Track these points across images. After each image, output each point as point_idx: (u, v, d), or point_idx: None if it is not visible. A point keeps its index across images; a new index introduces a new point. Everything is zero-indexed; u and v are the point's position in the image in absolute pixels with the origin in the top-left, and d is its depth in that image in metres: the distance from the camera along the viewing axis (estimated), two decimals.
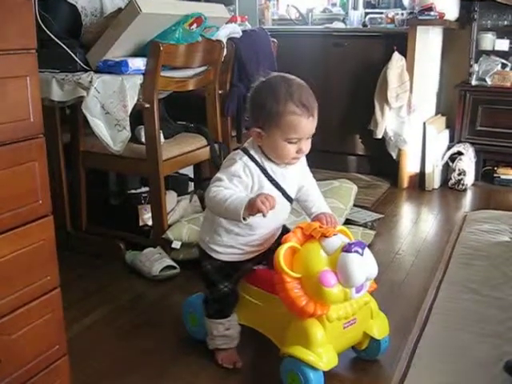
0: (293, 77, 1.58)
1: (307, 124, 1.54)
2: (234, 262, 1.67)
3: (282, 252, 1.50)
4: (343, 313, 1.53)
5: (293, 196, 1.69)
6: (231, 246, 1.65)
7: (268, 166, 1.60)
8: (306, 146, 1.58)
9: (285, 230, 1.73)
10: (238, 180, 1.55)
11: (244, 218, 1.47)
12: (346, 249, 1.47)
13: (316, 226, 1.55)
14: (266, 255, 1.69)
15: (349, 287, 1.47)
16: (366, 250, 1.50)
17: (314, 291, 1.48)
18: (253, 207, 1.43)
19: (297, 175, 1.69)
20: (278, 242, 1.63)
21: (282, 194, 1.63)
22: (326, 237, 1.53)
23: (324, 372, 1.53)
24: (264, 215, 1.44)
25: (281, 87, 1.53)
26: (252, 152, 1.59)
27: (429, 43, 3.59)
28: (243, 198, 1.48)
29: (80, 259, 2.47)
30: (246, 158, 1.58)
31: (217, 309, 1.70)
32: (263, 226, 1.64)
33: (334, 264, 1.48)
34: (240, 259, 1.67)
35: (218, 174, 1.57)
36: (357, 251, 1.46)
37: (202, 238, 1.71)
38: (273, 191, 1.59)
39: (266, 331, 1.70)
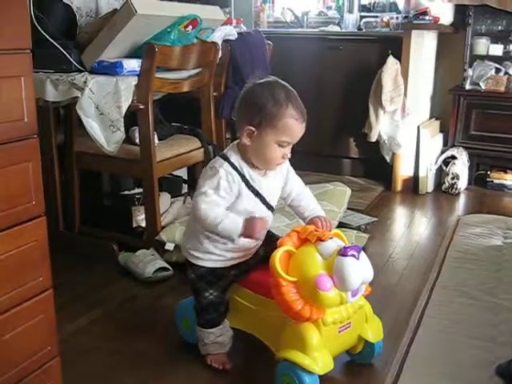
0: (286, 83, 1.61)
1: (300, 129, 1.57)
2: (216, 270, 1.67)
3: (278, 256, 1.50)
4: (338, 317, 1.53)
5: (273, 204, 1.69)
6: (212, 252, 1.65)
7: (247, 172, 1.60)
8: (290, 151, 1.61)
9: (270, 238, 1.73)
10: (223, 190, 1.55)
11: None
12: (342, 253, 1.47)
13: (312, 230, 1.55)
14: (251, 265, 1.71)
15: (345, 291, 1.47)
16: (362, 253, 1.50)
17: (309, 295, 1.48)
18: (247, 234, 1.52)
19: (278, 184, 1.70)
20: (266, 251, 1.66)
21: (261, 200, 1.63)
22: (322, 240, 1.53)
23: (319, 376, 1.52)
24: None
25: (280, 91, 1.55)
26: (232, 159, 1.60)
27: (423, 47, 3.60)
28: (237, 222, 1.53)
29: (73, 260, 2.46)
30: (226, 164, 1.58)
31: (207, 318, 1.69)
32: None
33: (330, 268, 1.48)
34: (221, 266, 1.67)
35: (204, 188, 1.56)
36: (353, 255, 1.46)
37: (184, 246, 1.72)
38: (250, 197, 1.61)
39: (261, 335, 1.69)
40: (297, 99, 1.56)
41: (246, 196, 1.59)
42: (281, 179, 1.70)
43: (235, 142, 1.65)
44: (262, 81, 1.59)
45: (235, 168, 1.59)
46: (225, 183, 1.55)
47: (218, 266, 1.67)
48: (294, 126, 1.54)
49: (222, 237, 1.59)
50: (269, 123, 1.53)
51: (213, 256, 1.66)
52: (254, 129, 1.55)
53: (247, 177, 1.60)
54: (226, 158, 1.60)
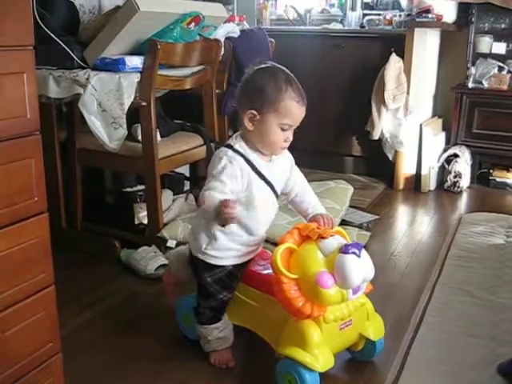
0: (285, 68, 1.63)
1: (301, 112, 1.59)
2: (233, 271, 1.67)
3: (279, 253, 1.50)
4: (339, 314, 1.53)
5: (279, 192, 1.70)
6: (230, 248, 1.65)
7: (253, 158, 1.61)
8: (292, 135, 1.61)
9: None
10: (226, 175, 1.53)
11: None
12: (344, 250, 1.47)
13: (313, 227, 1.55)
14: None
15: (346, 288, 1.47)
16: (363, 251, 1.50)
17: (311, 292, 1.48)
18: (221, 220, 1.45)
19: (283, 172, 1.70)
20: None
21: (270, 187, 1.64)
22: (323, 238, 1.53)
23: (320, 373, 1.53)
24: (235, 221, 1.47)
25: (281, 75, 1.58)
26: (236, 146, 1.60)
27: (426, 45, 3.59)
28: (215, 198, 1.47)
29: (75, 257, 2.46)
30: (230, 152, 1.59)
31: (210, 316, 1.70)
32: (258, 224, 1.65)
33: (331, 265, 1.48)
34: (238, 262, 1.67)
35: (208, 177, 1.57)
36: (354, 253, 1.46)
37: (197, 248, 1.68)
38: (260, 184, 1.61)
39: (261, 332, 1.69)
40: (296, 83, 1.58)
41: (254, 181, 1.60)
42: (285, 170, 1.71)
43: (238, 132, 1.66)
44: (261, 66, 1.61)
45: (240, 154, 1.59)
46: (229, 169, 1.54)
47: (237, 262, 1.67)
48: (294, 108, 1.56)
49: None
50: (270, 106, 1.54)
51: (231, 252, 1.65)
52: (255, 113, 1.56)
53: (253, 162, 1.60)
54: (230, 146, 1.61)
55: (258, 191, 1.60)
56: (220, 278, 1.66)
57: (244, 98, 1.60)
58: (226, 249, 1.64)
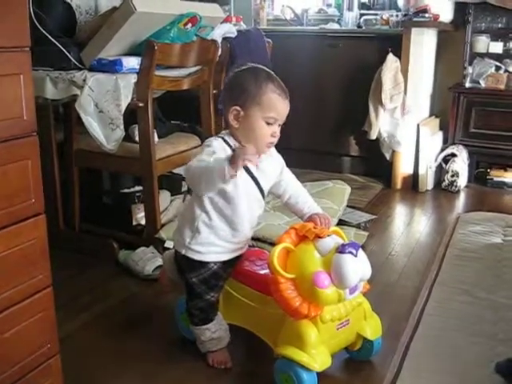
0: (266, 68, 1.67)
1: (285, 105, 1.61)
2: (217, 272, 1.66)
3: (276, 253, 1.50)
4: (337, 314, 1.53)
5: (265, 191, 1.70)
6: (212, 243, 1.64)
7: None
8: (278, 131, 1.63)
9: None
10: (214, 158, 1.54)
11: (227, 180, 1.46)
12: (340, 250, 1.47)
13: (310, 227, 1.55)
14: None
15: (343, 288, 1.48)
16: (360, 251, 1.50)
17: (307, 292, 1.48)
18: (236, 159, 1.41)
19: (272, 171, 1.71)
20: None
21: (255, 183, 1.65)
22: (320, 238, 1.53)
23: (317, 373, 1.53)
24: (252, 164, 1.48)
25: (261, 73, 1.62)
26: (226, 138, 1.64)
27: (423, 45, 3.59)
28: (222, 158, 1.46)
29: (72, 258, 2.46)
30: (220, 140, 1.62)
31: (201, 317, 1.70)
32: (241, 218, 1.64)
33: (328, 265, 1.48)
34: (221, 259, 1.67)
35: (198, 155, 1.58)
36: (351, 252, 1.46)
37: (181, 243, 1.68)
38: (245, 177, 1.62)
39: (259, 332, 1.70)
40: (277, 79, 1.63)
41: (239, 174, 1.58)
42: (274, 171, 1.71)
43: (227, 130, 1.68)
44: (242, 67, 1.66)
45: (229, 145, 1.62)
46: (219, 151, 1.57)
47: (220, 259, 1.66)
48: (277, 100, 1.59)
49: (214, 184, 1.51)
50: (253, 101, 1.57)
51: (214, 248, 1.65)
52: (239, 109, 1.58)
53: None
54: (220, 136, 1.65)
55: (242, 184, 1.61)
56: (205, 278, 1.66)
57: (227, 97, 1.64)
58: (208, 243, 1.64)
